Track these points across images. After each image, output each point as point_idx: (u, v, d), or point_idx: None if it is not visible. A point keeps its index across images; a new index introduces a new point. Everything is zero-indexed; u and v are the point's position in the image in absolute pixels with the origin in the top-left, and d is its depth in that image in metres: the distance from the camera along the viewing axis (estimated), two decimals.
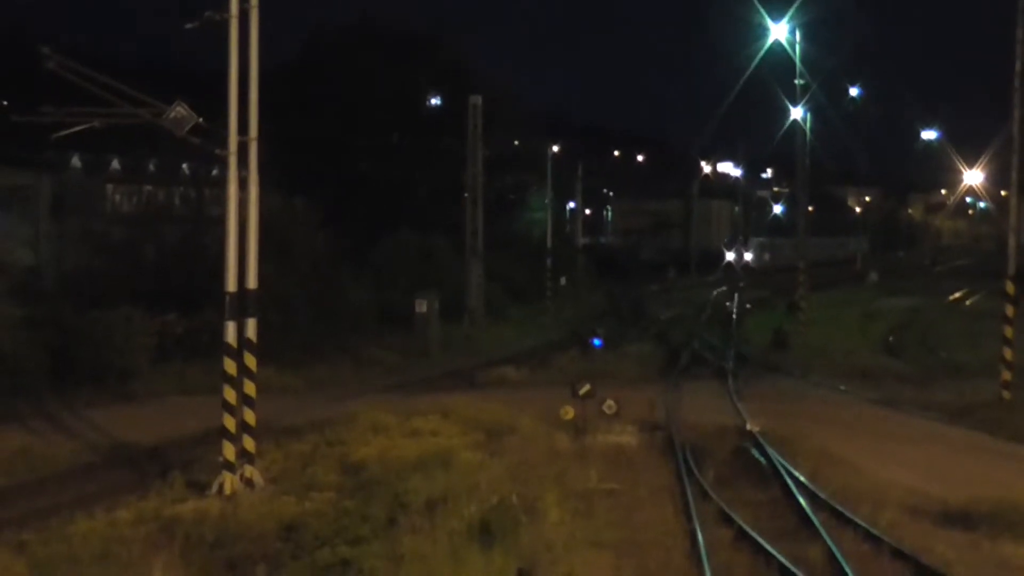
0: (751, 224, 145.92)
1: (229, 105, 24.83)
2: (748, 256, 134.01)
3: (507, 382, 46.93)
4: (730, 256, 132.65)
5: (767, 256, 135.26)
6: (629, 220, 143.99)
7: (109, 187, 71.31)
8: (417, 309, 58.08)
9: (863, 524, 21.77)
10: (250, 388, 24.98)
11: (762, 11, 68.61)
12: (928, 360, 55.64)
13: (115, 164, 74.60)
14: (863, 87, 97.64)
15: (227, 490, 24.18)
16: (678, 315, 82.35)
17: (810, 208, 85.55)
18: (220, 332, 25.06)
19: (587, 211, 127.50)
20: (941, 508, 23.85)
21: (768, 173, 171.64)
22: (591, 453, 29.19)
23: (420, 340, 57.74)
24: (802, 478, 26.08)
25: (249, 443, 25.00)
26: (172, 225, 53.33)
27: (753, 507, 24.14)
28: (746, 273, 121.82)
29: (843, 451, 30.01)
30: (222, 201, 26.01)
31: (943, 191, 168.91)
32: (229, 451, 24.57)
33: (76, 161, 71.28)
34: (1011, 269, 39.40)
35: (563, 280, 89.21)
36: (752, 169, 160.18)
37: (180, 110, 25.27)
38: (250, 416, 24.99)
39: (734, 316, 77.06)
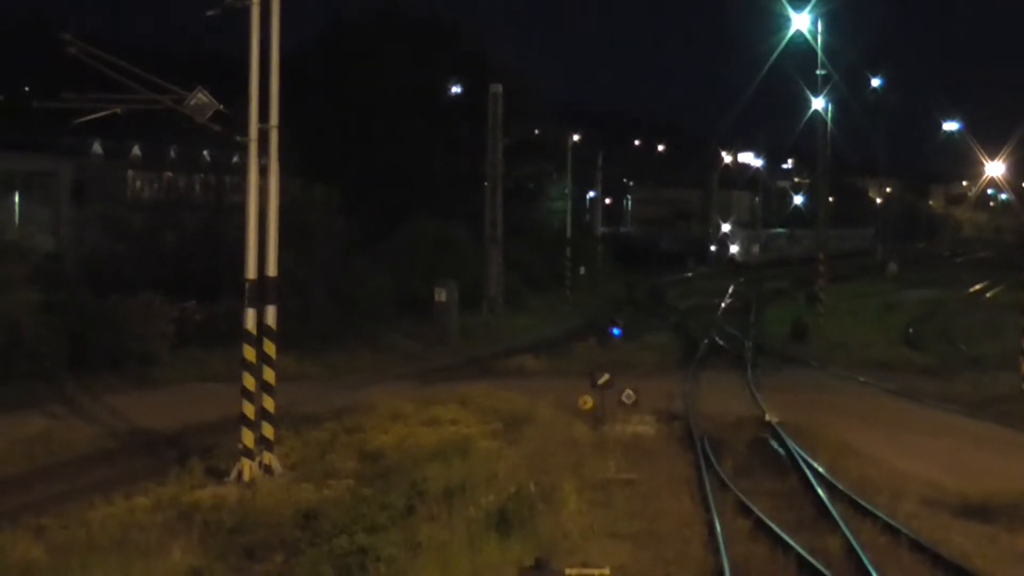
0: (770, 214, 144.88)
1: (250, 92, 24.82)
2: (734, 249, 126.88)
3: (526, 371, 46.89)
4: (714, 250, 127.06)
5: (756, 249, 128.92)
6: (648, 209, 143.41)
7: (130, 173, 71.53)
8: (436, 298, 58.05)
9: (881, 516, 21.76)
10: (269, 375, 25.00)
11: (784, 1, 68.41)
12: (948, 352, 55.48)
13: (136, 150, 74.78)
14: (884, 78, 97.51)
15: (246, 477, 24.21)
16: (697, 305, 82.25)
17: (830, 199, 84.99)
18: (239, 319, 25.10)
19: (607, 200, 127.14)
20: (959, 500, 23.81)
21: (789, 164, 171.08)
22: (609, 443, 29.21)
23: (439, 328, 57.72)
24: (820, 469, 26.06)
25: (268, 430, 25.03)
26: (192, 212, 53.37)
27: (771, 498, 24.13)
28: (732, 269, 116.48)
29: (862, 442, 29.97)
30: (242, 188, 26.03)
31: (964, 183, 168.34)
32: (248, 438, 24.60)
33: (97, 147, 71.48)
34: None
35: (582, 269, 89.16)
36: (773, 159, 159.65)
37: (201, 97, 25.28)
38: (269, 403, 25.01)
39: (753, 307, 76.93)
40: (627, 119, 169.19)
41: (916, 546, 19.85)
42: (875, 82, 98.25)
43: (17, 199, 61.66)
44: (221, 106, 25.49)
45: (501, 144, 68.80)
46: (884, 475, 26.05)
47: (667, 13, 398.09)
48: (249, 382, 24.75)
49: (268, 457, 24.89)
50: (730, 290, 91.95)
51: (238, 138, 25.37)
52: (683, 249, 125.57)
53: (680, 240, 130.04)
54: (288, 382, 31.51)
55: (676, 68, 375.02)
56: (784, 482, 25.86)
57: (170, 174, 73.83)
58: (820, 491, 23.88)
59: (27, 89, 70.61)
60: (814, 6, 68.74)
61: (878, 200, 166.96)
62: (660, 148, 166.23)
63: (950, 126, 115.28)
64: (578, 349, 53.75)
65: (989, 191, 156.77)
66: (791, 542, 19.79)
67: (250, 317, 24.80)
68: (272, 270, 25.17)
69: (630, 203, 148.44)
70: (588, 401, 31.80)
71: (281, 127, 25.36)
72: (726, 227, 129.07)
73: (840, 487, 24.34)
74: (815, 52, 70.99)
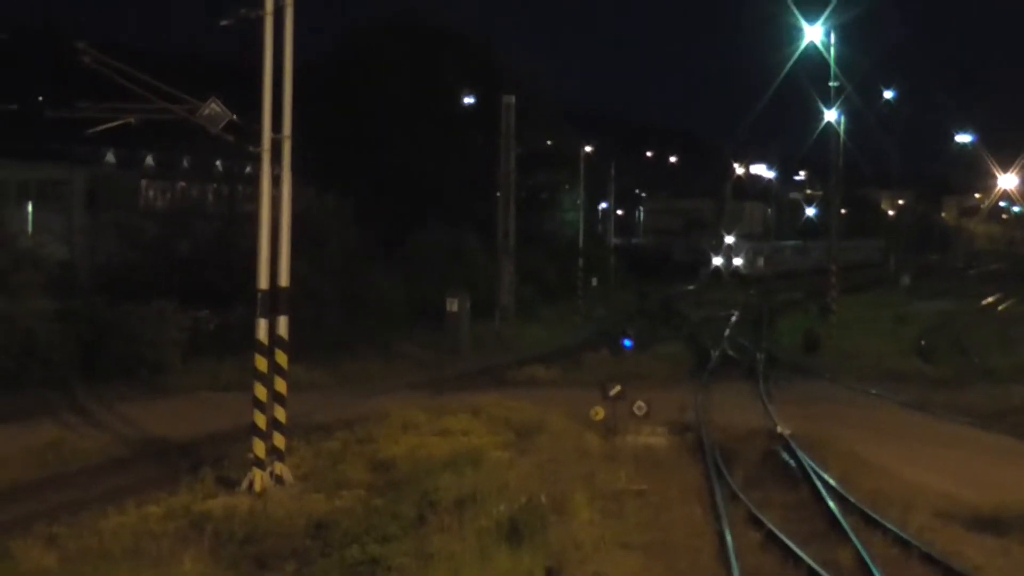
0: (783, 226, 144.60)
1: (263, 103, 24.82)
2: (738, 261, 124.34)
3: (537, 381, 46.88)
4: (717, 261, 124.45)
5: (761, 262, 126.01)
6: (661, 220, 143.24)
7: (143, 182, 71.76)
8: (449, 307, 58.06)
9: (893, 528, 21.71)
10: (281, 385, 24.99)
11: (797, 13, 68.46)
12: (960, 364, 55.38)
13: (149, 160, 75.01)
14: (898, 89, 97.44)
15: (257, 487, 24.20)
16: (709, 316, 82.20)
17: (843, 210, 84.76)
18: (252, 328, 25.10)
19: (619, 211, 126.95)
20: (971, 513, 23.75)
21: (801, 175, 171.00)
22: (621, 454, 29.18)
23: (451, 337, 57.74)
24: (832, 481, 26.02)
25: (279, 440, 25.02)
26: (205, 221, 53.40)
27: (783, 509, 24.11)
28: (737, 281, 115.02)
29: (874, 454, 29.91)
30: (255, 198, 26.04)
31: (977, 195, 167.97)
32: (259, 448, 24.59)
33: (111, 156, 71.73)
34: None
35: (594, 280, 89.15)
36: (785, 171, 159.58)
37: (214, 107, 25.30)
38: (281, 413, 25.01)
39: (764, 318, 76.85)
40: (639, 129, 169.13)
41: (928, 559, 19.81)
42: (888, 94, 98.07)
43: (31, 208, 61.83)
44: (234, 116, 25.50)
45: (514, 154, 68.83)
46: (896, 487, 25.99)
47: (681, 23, 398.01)
48: (261, 392, 24.73)
49: (280, 467, 24.88)
50: (741, 302, 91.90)
51: (251, 148, 25.38)
52: (695, 260, 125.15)
53: (692, 251, 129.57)
54: (299, 391, 31.52)
55: (689, 78, 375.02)
56: (795, 494, 25.82)
57: (183, 183, 74.03)
58: (831, 503, 23.84)
59: (41, 98, 70.70)
60: (827, 18, 68.82)
61: (891, 212, 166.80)
62: (673, 159, 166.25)
63: (963, 138, 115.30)
64: (590, 359, 53.77)
65: (1002, 203, 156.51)
66: (802, 554, 19.77)
67: (262, 327, 24.80)
68: (285, 280, 25.16)
69: (643, 213, 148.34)
70: (600, 412, 31.82)
71: (294, 137, 25.38)
72: (730, 239, 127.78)
73: (851, 499, 24.30)
74: (828, 64, 71.10)
